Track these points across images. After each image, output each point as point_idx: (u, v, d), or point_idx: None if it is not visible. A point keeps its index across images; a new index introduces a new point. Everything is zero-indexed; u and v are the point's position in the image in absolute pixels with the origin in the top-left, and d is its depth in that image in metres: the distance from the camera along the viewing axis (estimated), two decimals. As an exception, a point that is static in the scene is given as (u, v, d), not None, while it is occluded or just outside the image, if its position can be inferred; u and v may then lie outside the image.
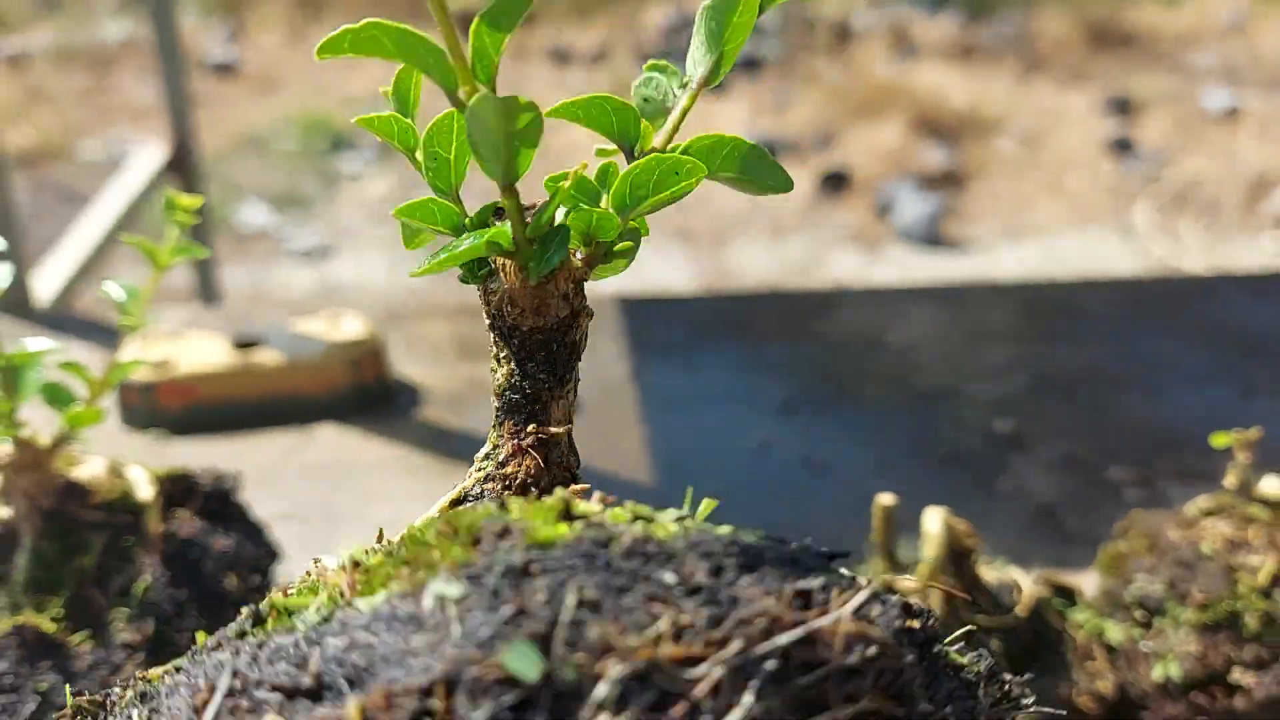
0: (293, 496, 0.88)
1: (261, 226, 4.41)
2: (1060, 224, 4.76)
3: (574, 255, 0.37)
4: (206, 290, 1.91)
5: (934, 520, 0.56)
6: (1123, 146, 5.25)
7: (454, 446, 0.96)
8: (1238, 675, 0.57)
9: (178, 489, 0.54)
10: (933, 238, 4.53)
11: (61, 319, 1.17)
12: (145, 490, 0.52)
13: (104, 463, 0.53)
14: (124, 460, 0.55)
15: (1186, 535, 0.62)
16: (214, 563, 0.52)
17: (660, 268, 4.15)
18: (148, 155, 1.69)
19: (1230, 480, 0.60)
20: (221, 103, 5.51)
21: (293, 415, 0.98)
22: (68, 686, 0.42)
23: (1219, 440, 0.60)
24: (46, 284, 1.23)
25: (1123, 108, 5.63)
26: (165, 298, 3.69)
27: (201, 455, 0.91)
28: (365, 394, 0.99)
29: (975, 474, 0.93)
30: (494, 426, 0.37)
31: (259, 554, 0.54)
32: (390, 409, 1.01)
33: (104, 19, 6.15)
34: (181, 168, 1.70)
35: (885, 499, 0.57)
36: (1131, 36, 6.48)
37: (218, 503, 0.55)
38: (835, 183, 4.88)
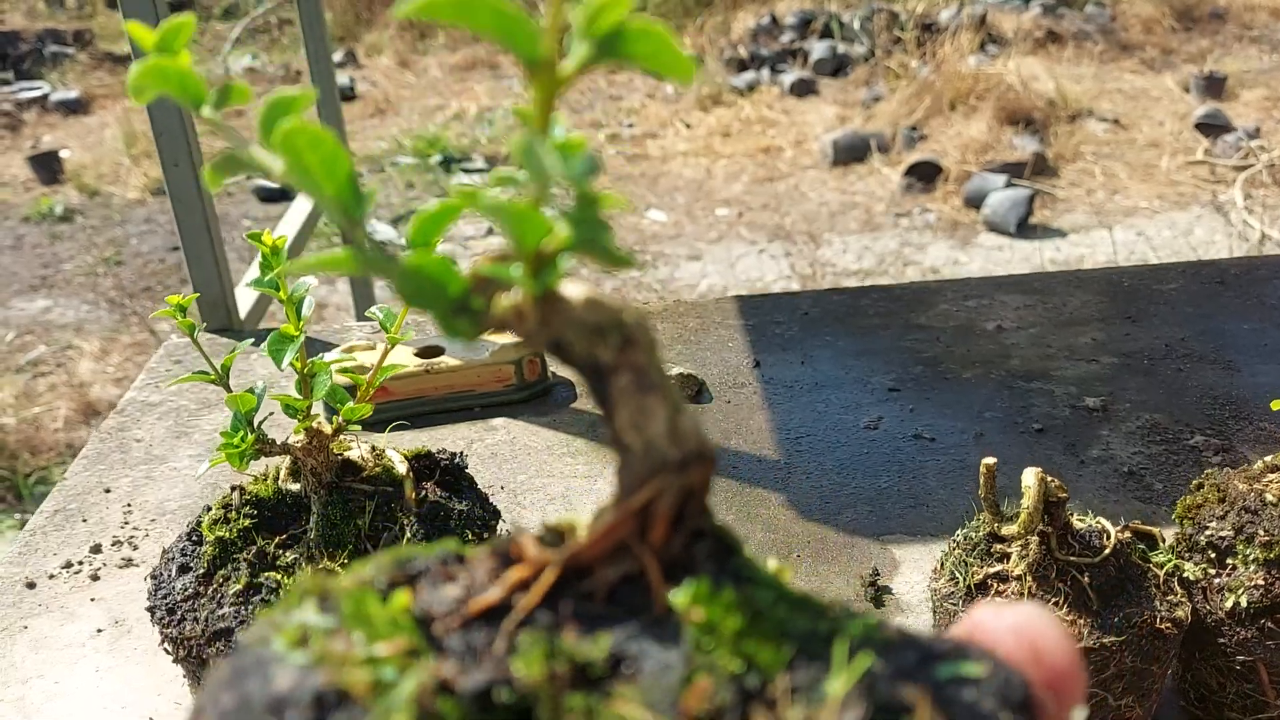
0: (481, 478, 1.03)
1: (386, 242, 4.62)
2: (1153, 207, 4.76)
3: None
4: (364, 304, 2.09)
5: (1030, 476, 0.68)
6: (1215, 126, 5.22)
7: (604, 432, 1.10)
8: (1298, 602, 0.68)
9: (423, 464, 0.69)
10: (1023, 226, 4.57)
11: (261, 334, 1.34)
12: (401, 466, 0.66)
13: (367, 447, 0.68)
14: (380, 444, 0.69)
15: (1253, 487, 0.73)
16: (455, 521, 0.66)
17: (759, 266, 4.26)
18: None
19: (1287, 438, 0.70)
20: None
21: (471, 409, 1.13)
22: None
23: (1278, 404, 0.71)
24: (244, 300, 1.40)
25: (1214, 87, 5.58)
26: (331, 308, 3.92)
27: (403, 445, 1.06)
28: (529, 389, 1.15)
29: (1066, 444, 1.04)
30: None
31: (486, 514, 0.68)
32: (551, 402, 1.16)
33: (228, 52, 6.44)
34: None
35: (989, 461, 0.69)
36: (1221, 14, 6.41)
37: (453, 475, 0.70)
38: (926, 176, 4.95)
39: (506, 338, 1.16)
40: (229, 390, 0.66)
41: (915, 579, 0.89)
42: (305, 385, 0.62)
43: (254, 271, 1.57)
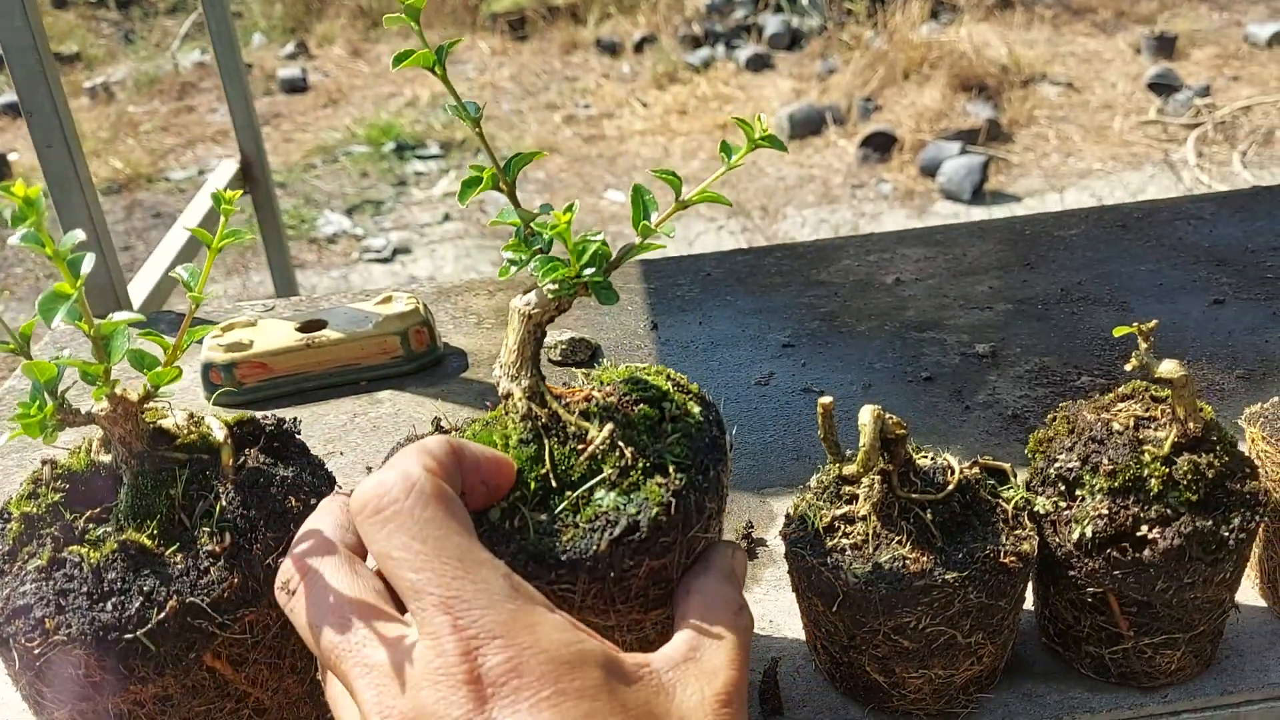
0: (360, 451, 1.01)
1: (339, 232, 4.59)
2: (1106, 168, 4.76)
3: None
4: (287, 292, 2.06)
5: (866, 414, 0.66)
6: (1166, 85, 5.23)
7: (495, 399, 1.08)
8: (1144, 531, 0.67)
9: (246, 431, 0.67)
10: (978, 193, 4.57)
11: (152, 318, 1.31)
12: (219, 432, 0.64)
13: (184, 414, 0.66)
14: (200, 411, 0.67)
15: (1100, 417, 0.71)
16: (278, 488, 0.64)
17: (718, 242, 4.24)
18: (222, 170, 1.84)
19: (1132, 364, 0.69)
20: (293, 117, 5.70)
21: (355, 383, 1.11)
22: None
23: (1119, 331, 0.70)
24: (139, 291, 1.38)
25: (1165, 47, 5.59)
26: (254, 298, 3.88)
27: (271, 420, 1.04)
28: (417, 360, 1.12)
29: (953, 390, 1.03)
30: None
31: (317, 481, 0.66)
32: (440, 373, 1.14)
33: (177, 48, 6.37)
34: (252, 180, 1.85)
35: (825, 400, 0.68)
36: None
37: (280, 441, 0.68)
38: (881, 146, 4.94)
39: (392, 308, 1.14)
40: (28, 357, 0.63)
41: (791, 530, 0.88)
42: (99, 348, 0.60)
43: (163, 259, 1.54)
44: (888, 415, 0.67)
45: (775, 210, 4.55)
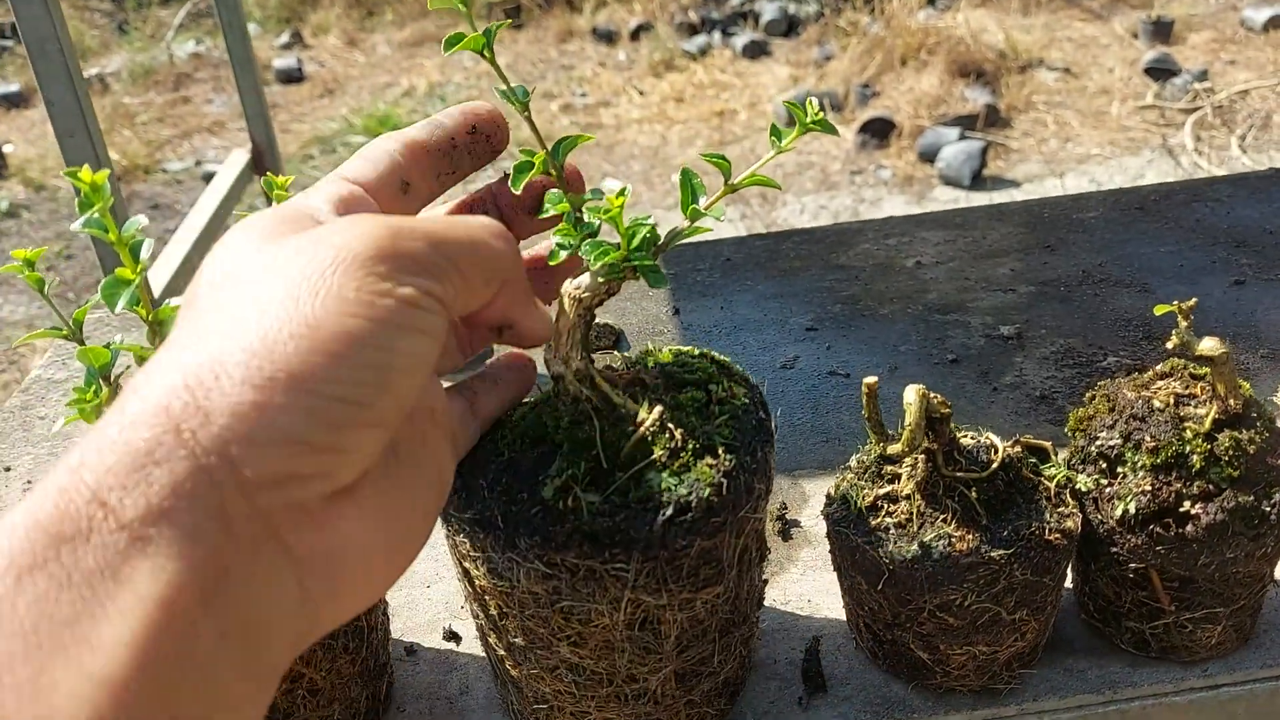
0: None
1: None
2: (1104, 153, 4.77)
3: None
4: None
5: (911, 393, 0.67)
6: (1164, 70, 5.23)
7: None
8: (1186, 507, 0.67)
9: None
10: (977, 178, 4.58)
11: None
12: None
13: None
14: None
15: (1141, 394, 0.72)
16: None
17: (716, 230, 4.24)
18: (233, 161, 1.84)
19: (1172, 342, 0.69)
20: (289, 108, 5.69)
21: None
22: None
23: (1160, 309, 0.70)
24: (158, 280, 1.38)
25: (1162, 31, 5.59)
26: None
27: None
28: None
29: (980, 372, 1.03)
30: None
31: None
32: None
33: (172, 39, 6.36)
34: (263, 169, 1.85)
35: (869, 380, 0.68)
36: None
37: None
38: (880, 132, 4.94)
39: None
40: (82, 343, 0.64)
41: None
42: (154, 333, 0.60)
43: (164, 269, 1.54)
44: (932, 394, 0.68)
45: (774, 197, 4.54)
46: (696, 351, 0.72)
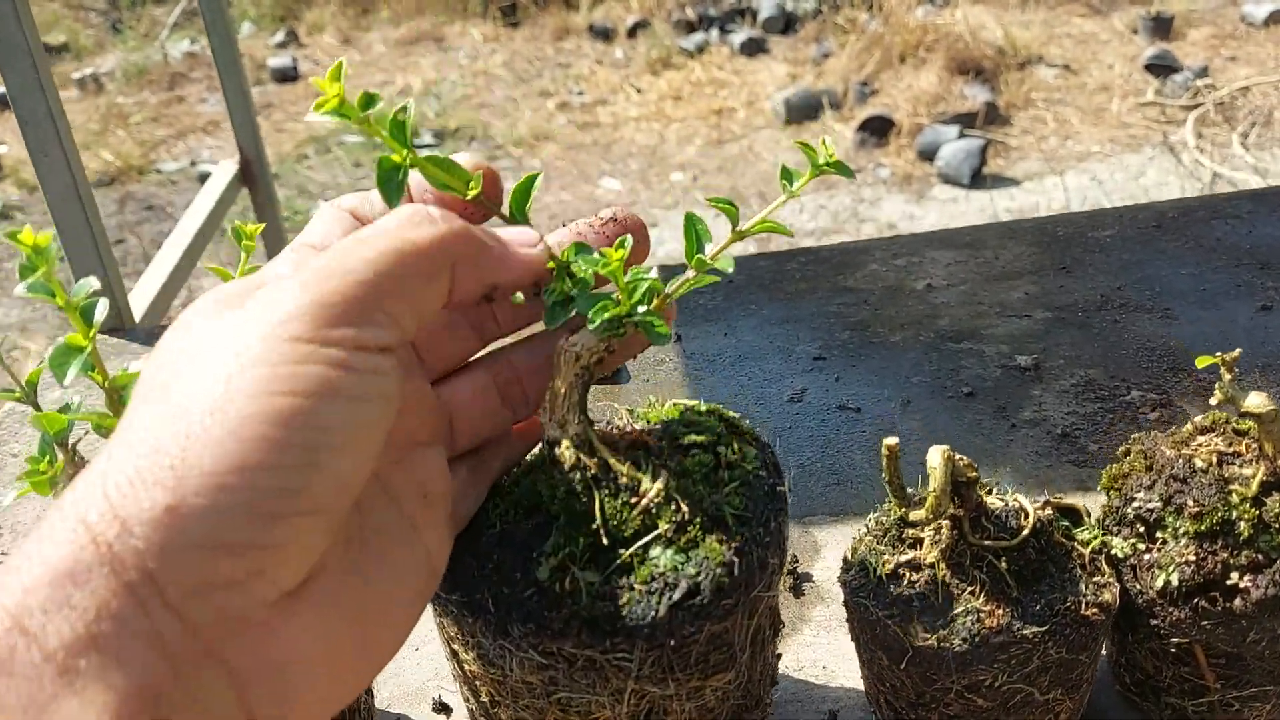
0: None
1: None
2: (1105, 151, 4.72)
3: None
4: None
5: (936, 455, 0.62)
6: (1164, 66, 5.18)
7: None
8: (1234, 579, 0.62)
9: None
10: (977, 176, 4.52)
11: (156, 332, 1.26)
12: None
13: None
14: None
15: (1181, 452, 0.67)
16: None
17: (716, 230, 4.18)
18: (221, 172, 1.79)
19: (1216, 397, 0.64)
20: (285, 107, 5.63)
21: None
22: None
23: (1203, 362, 0.65)
24: (140, 300, 1.32)
25: (1162, 27, 5.54)
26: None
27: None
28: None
29: (996, 407, 0.98)
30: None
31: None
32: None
33: (166, 38, 6.30)
34: (251, 180, 1.80)
35: (890, 441, 0.63)
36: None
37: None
38: (878, 130, 4.88)
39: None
40: (37, 408, 0.59)
41: (837, 564, 0.83)
42: (113, 400, 0.55)
43: (161, 266, 1.49)
44: (959, 457, 0.63)
45: (773, 197, 4.48)
46: (704, 407, 0.67)
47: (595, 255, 0.59)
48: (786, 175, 0.62)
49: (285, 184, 4.82)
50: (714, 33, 5.97)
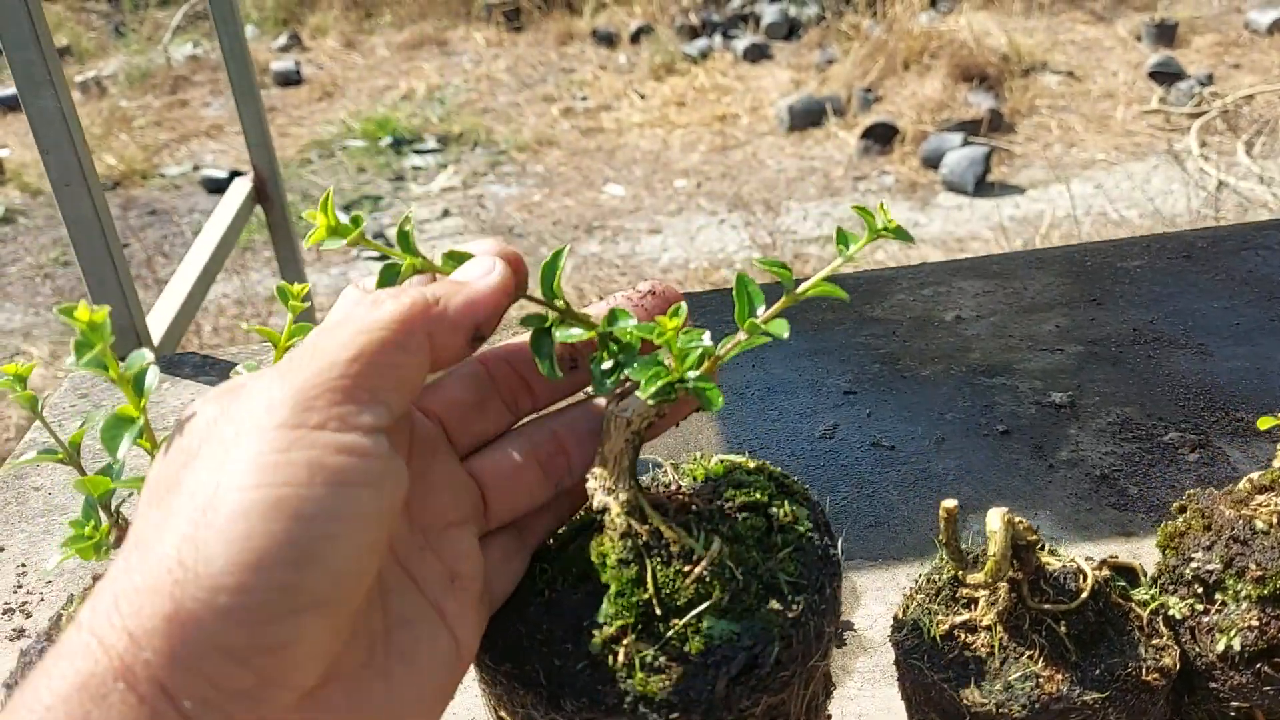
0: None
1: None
2: (1110, 158, 4.71)
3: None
4: (304, 315, 2.00)
5: (995, 519, 0.61)
6: (1168, 74, 5.17)
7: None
8: (1296, 642, 0.61)
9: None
10: (981, 184, 4.52)
11: (177, 360, 1.25)
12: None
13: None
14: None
15: (1240, 512, 0.66)
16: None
17: (720, 237, 4.18)
18: (236, 190, 1.78)
19: (1277, 461, 0.63)
20: (288, 111, 5.61)
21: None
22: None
23: (1265, 423, 0.64)
24: (158, 323, 1.31)
25: (1166, 35, 5.54)
26: (260, 306, 3.80)
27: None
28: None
29: (1033, 446, 0.97)
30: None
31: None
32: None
33: (169, 41, 6.29)
34: (265, 198, 1.79)
35: (949, 504, 0.62)
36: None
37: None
38: (882, 138, 4.87)
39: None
40: (80, 470, 0.57)
41: (878, 611, 0.82)
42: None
43: (174, 293, 1.48)
44: (1018, 520, 0.62)
45: (777, 204, 4.48)
46: (752, 464, 0.66)
47: (647, 323, 0.58)
48: (843, 239, 0.61)
49: (289, 189, 4.81)
50: (717, 38, 5.96)
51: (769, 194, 4.66)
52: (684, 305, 0.58)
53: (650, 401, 0.59)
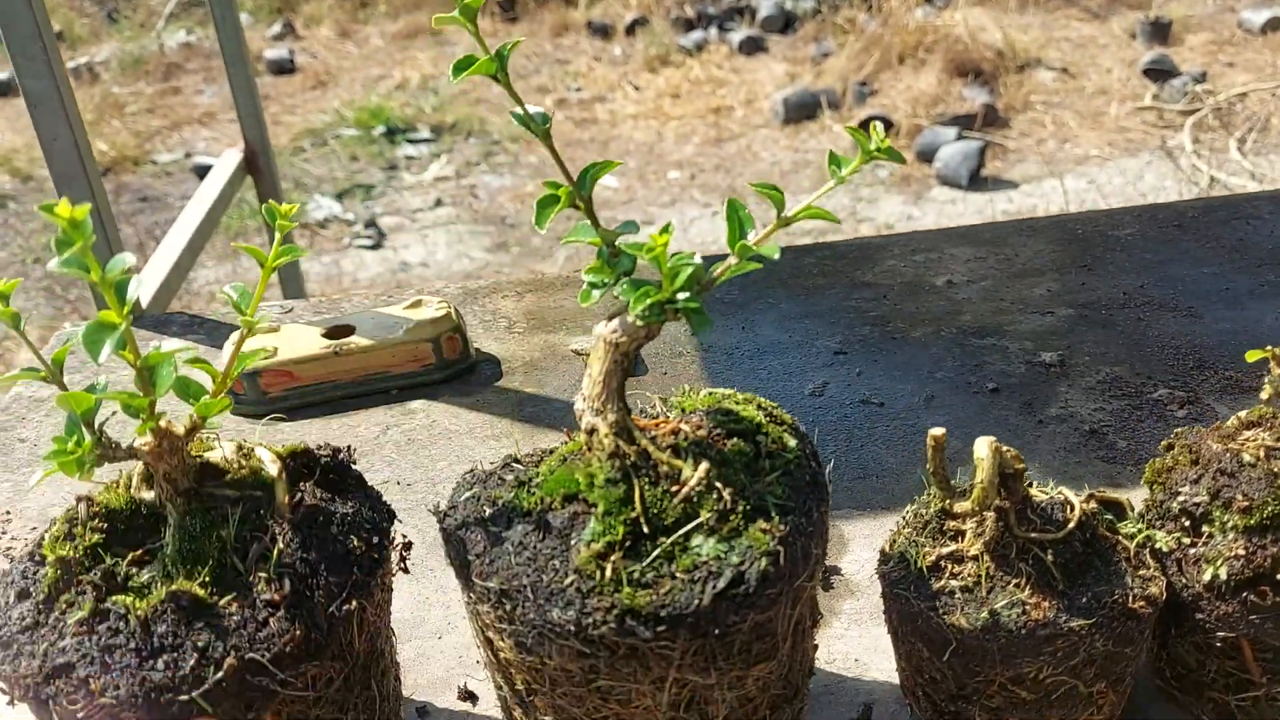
0: (396, 466, 0.95)
1: (330, 217, 4.49)
2: (1103, 154, 4.72)
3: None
4: (292, 282, 1.99)
5: (983, 446, 0.61)
6: (1162, 71, 5.18)
7: (534, 411, 1.02)
8: (1282, 572, 0.61)
9: (300, 463, 0.60)
10: (975, 178, 4.52)
11: (164, 319, 1.24)
12: (272, 467, 0.58)
13: (232, 446, 0.59)
14: (249, 442, 0.61)
15: (1228, 446, 0.66)
16: (338, 527, 0.57)
17: (714, 229, 4.18)
18: (225, 161, 1.77)
19: (1266, 393, 0.63)
20: (281, 100, 5.60)
21: (386, 392, 1.05)
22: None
23: (1253, 356, 0.64)
24: (147, 287, 1.31)
25: (1160, 32, 5.54)
26: (248, 283, 3.78)
27: (309, 434, 0.98)
28: (450, 369, 1.06)
29: (1023, 403, 0.97)
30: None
31: (376, 517, 0.60)
32: (474, 381, 1.07)
33: (163, 28, 6.27)
34: (256, 170, 1.78)
35: (936, 431, 0.62)
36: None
37: (336, 473, 0.61)
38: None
39: (422, 313, 1.08)
40: (63, 388, 0.57)
41: (865, 556, 0.83)
42: (144, 380, 0.53)
43: (159, 264, 1.47)
44: (1005, 449, 0.62)
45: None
46: (740, 396, 0.66)
47: (633, 238, 0.59)
48: (835, 161, 0.61)
49: (283, 176, 4.79)
50: (713, 31, 5.95)
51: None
52: (674, 222, 0.58)
53: (639, 322, 0.59)
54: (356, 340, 1.04)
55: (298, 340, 1.04)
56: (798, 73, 5.56)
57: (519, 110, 0.60)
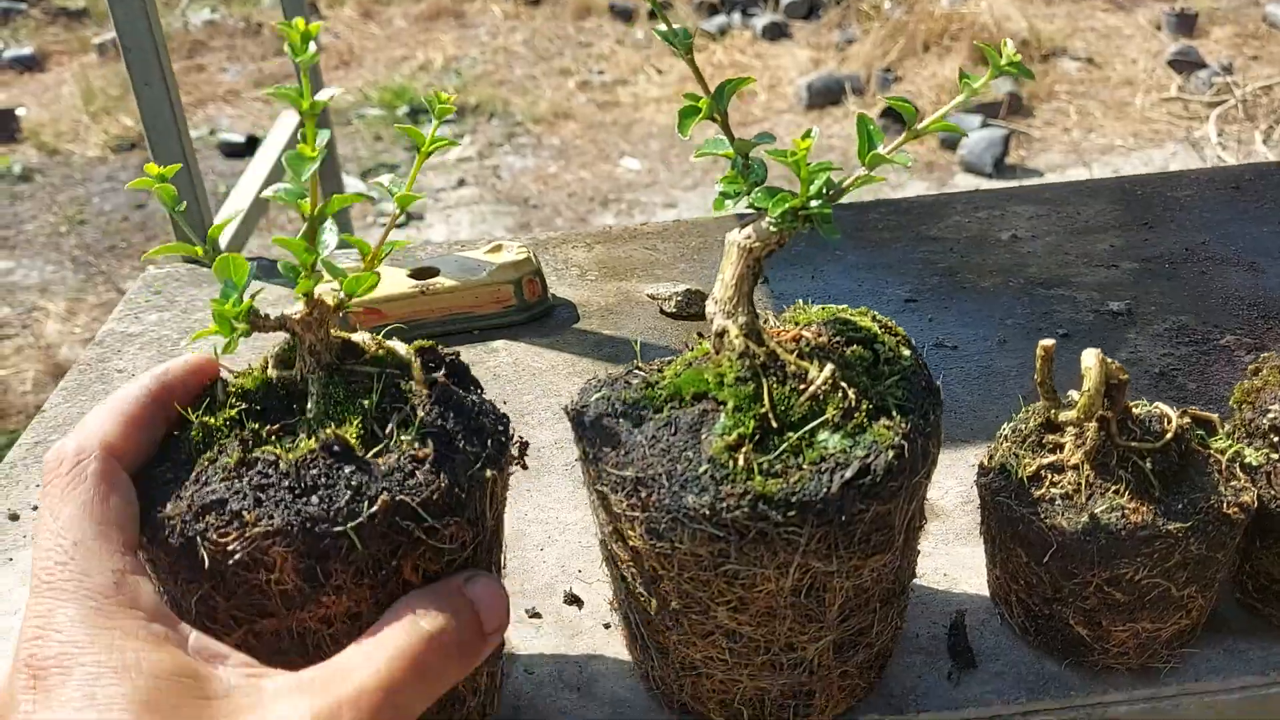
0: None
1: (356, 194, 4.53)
2: (1128, 145, 4.74)
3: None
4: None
5: (1090, 357, 0.64)
6: (1188, 62, 5.20)
7: (612, 351, 1.05)
8: (1369, 484, 0.64)
9: (428, 359, 0.63)
10: (1000, 166, 4.54)
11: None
12: (406, 351, 0.61)
13: (366, 334, 0.62)
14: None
15: (1315, 366, 0.69)
16: (472, 406, 0.61)
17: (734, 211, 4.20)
18: (285, 122, 1.81)
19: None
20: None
21: (468, 332, 1.08)
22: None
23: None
24: (225, 233, 1.35)
25: (1186, 24, 5.56)
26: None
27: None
28: (530, 310, 1.09)
29: (1093, 347, 1.00)
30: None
31: (496, 417, 0.63)
32: (552, 322, 1.11)
33: (187, 6, 6.30)
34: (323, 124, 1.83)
35: (1046, 342, 0.65)
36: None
37: (459, 373, 0.64)
38: (901, 119, 4.89)
39: (504, 257, 1.11)
40: (217, 252, 0.59)
41: (948, 484, 0.86)
42: (312, 232, 0.56)
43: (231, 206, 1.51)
44: (1110, 360, 0.65)
45: (793, 181, 4.50)
46: (854, 310, 0.69)
47: (767, 147, 0.62)
48: (965, 76, 0.64)
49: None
50: (736, 16, 5.98)
51: (786, 169, 4.68)
52: (816, 129, 0.61)
53: (773, 228, 0.62)
54: (442, 280, 1.08)
55: (386, 280, 1.08)
56: (822, 59, 5.59)
57: (663, 28, 0.62)
